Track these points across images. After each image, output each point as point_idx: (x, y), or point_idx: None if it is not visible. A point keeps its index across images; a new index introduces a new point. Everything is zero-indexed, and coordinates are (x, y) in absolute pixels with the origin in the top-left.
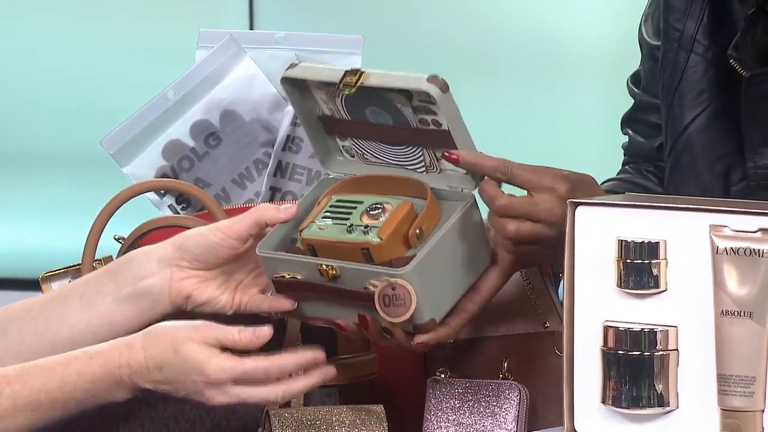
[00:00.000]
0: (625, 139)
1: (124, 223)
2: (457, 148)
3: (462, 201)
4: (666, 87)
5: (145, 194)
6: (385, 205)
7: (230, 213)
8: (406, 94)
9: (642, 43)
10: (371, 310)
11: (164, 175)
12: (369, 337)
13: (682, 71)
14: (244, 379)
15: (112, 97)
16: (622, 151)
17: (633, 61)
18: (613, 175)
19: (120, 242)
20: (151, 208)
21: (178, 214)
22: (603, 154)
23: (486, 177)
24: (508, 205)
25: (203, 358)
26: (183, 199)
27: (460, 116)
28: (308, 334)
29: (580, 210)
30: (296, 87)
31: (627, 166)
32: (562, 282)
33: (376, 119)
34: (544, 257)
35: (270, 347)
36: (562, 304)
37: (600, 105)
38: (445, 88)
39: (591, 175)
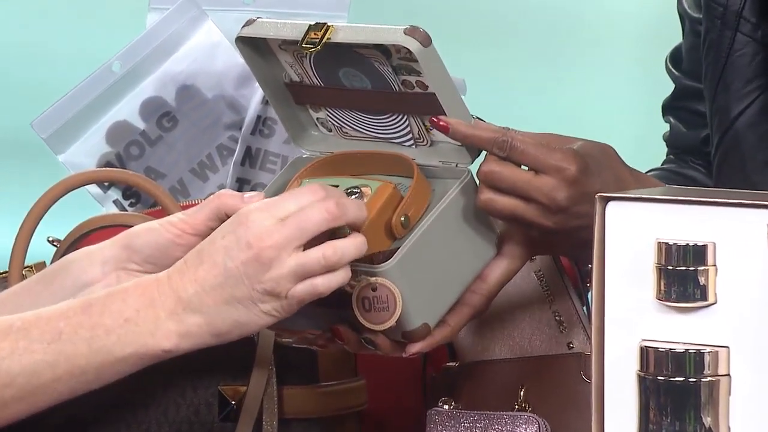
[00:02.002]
0: (667, 126)
1: (59, 223)
2: (446, 115)
3: (457, 179)
4: (710, 73)
5: (86, 187)
6: (362, 189)
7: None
8: (383, 50)
9: (682, 14)
10: (351, 317)
11: (108, 164)
12: (348, 349)
13: (727, 55)
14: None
15: (46, 70)
16: (663, 141)
17: (675, 25)
18: (647, 163)
19: (55, 245)
20: (93, 204)
21: (126, 211)
22: (638, 136)
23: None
24: (491, 173)
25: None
26: (131, 193)
27: (448, 75)
28: (283, 355)
29: (611, 206)
30: (255, 48)
31: (671, 156)
32: (590, 293)
33: (351, 83)
34: (549, 247)
35: (235, 369)
36: (590, 319)
37: (636, 78)
38: (426, 41)
39: (611, 147)
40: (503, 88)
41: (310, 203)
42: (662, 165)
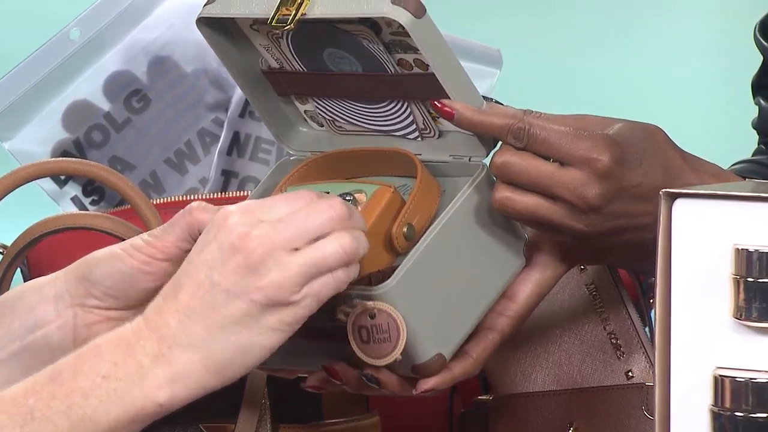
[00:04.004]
0: (755, 110)
1: (6, 225)
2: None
3: (470, 176)
4: None
5: (38, 181)
6: (355, 195)
7: (164, 210)
8: (371, 25)
9: None
10: (349, 351)
11: (66, 153)
12: (349, 390)
13: None
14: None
15: None
16: (753, 128)
17: None
18: (730, 154)
19: (0, 252)
20: (46, 202)
21: (86, 210)
22: (717, 122)
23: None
24: (505, 165)
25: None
26: (93, 189)
27: (449, 51)
28: (279, 388)
29: (679, 205)
30: (222, 31)
31: (761, 146)
32: (653, 310)
33: (339, 67)
34: (590, 254)
35: (220, 404)
36: (653, 342)
37: (715, 49)
38: (419, 10)
39: (660, 129)
40: (547, 61)
41: (305, 205)
42: (752, 156)
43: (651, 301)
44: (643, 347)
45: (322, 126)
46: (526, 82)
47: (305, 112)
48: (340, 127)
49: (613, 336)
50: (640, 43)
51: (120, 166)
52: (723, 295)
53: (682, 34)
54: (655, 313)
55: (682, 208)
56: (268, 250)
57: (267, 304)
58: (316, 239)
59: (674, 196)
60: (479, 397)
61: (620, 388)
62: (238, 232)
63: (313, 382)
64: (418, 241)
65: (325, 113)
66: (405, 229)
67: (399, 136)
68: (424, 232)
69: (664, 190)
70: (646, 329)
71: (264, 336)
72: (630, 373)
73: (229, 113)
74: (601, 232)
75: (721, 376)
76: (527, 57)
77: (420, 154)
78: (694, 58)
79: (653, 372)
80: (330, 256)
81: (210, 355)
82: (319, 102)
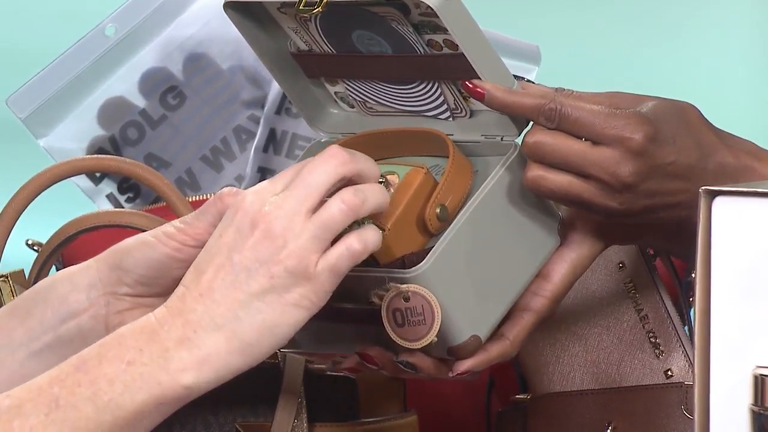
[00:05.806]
0: None
1: (41, 223)
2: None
3: (502, 155)
4: None
5: (73, 179)
6: (387, 177)
7: (199, 207)
8: (399, 6)
9: None
10: (385, 335)
11: (101, 150)
12: (385, 374)
13: None
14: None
15: (24, 34)
16: None
17: None
18: None
19: (36, 250)
20: (82, 200)
21: (122, 207)
22: (764, 115)
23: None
24: (537, 145)
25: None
26: (129, 186)
27: (479, 30)
28: (315, 386)
29: (719, 202)
30: (250, 15)
31: None
32: (693, 309)
33: (368, 49)
34: (625, 234)
35: (256, 402)
36: (692, 341)
37: (760, 42)
38: None
39: (693, 106)
40: (586, 57)
41: (305, 165)
42: None
43: (691, 299)
44: (682, 346)
45: (352, 107)
46: (565, 78)
47: (335, 93)
48: (371, 108)
49: (652, 334)
50: (682, 38)
51: (155, 164)
52: (764, 293)
53: (725, 28)
54: (694, 312)
55: (722, 206)
56: (284, 221)
57: (288, 275)
58: (329, 192)
59: (714, 194)
60: (517, 396)
61: (659, 387)
62: (254, 210)
63: (350, 364)
64: (451, 222)
65: (356, 94)
66: (438, 211)
67: (430, 116)
68: (458, 212)
69: (703, 187)
70: (686, 328)
71: (288, 313)
72: (669, 372)
73: (265, 110)
74: (634, 211)
75: (761, 375)
76: (566, 53)
77: (452, 134)
78: (738, 52)
79: (693, 371)
80: (336, 213)
81: (235, 335)
82: (350, 83)
